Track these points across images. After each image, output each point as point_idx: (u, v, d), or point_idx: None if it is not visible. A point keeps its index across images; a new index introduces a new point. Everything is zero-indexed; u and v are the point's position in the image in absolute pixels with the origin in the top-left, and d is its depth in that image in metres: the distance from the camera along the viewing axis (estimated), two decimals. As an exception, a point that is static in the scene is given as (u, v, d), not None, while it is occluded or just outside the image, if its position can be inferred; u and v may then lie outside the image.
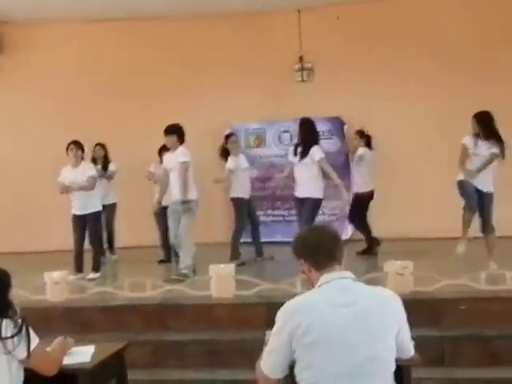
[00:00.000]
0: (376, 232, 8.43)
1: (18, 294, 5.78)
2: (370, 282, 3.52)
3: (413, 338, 2.90)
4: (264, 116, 9.90)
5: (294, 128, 8.09)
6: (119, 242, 9.28)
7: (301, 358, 2.69)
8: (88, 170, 7.59)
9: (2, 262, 3.55)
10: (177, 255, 7.57)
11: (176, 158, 7.12)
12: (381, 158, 8.67)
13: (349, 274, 2.85)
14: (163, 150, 7.99)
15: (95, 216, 7.60)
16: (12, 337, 3.02)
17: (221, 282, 5.93)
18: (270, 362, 2.79)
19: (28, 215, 10.14)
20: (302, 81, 10.01)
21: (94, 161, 8.82)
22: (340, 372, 2.62)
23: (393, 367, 2.73)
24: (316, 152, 7.34)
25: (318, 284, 2.82)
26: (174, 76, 10.04)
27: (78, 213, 7.54)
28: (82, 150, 7.65)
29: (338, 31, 9.82)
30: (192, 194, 7.14)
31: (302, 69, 10.00)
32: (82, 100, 10.19)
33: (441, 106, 9.28)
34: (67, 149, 7.53)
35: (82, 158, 7.69)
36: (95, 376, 3.51)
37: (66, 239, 7.93)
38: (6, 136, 10.31)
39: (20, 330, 3.05)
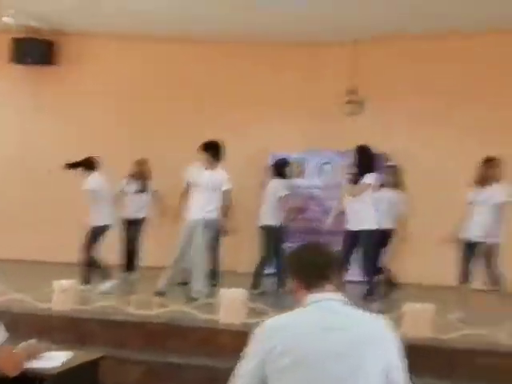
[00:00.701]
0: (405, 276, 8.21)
1: (24, 300, 5.91)
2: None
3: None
4: (307, 146, 9.84)
5: (336, 160, 7.89)
6: (148, 261, 9.20)
7: (273, 383, 2.48)
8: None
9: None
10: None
11: (211, 177, 7.25)
12: (421, 199, 8.44)
13: (339, 296, 2.64)
14: None
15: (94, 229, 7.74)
16: None
17: (230, 306, 5.84)
18: None
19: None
20: (351, 113, 9.93)
21: (133, 175, 8.87)
22: None
23: None
24: (368, 177, 7.19)
25: (305, 304, 2.63)
26: (215, 103, 10.18)
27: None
28: (87, 167, 7.83)
29: (393, 65, 9.75)
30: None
31: (351, 101, 9.95)
32: (124, 111, 10.40)
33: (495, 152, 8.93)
34: None
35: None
36: (63, 383, 3.46)
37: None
38: (52, 142, 10.58)
39: None
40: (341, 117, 9.90)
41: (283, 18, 9.04)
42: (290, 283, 2.75)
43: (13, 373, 3.25)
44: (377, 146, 9.46)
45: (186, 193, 7.54)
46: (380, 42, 9.71)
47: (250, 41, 10.01)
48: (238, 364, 2.55)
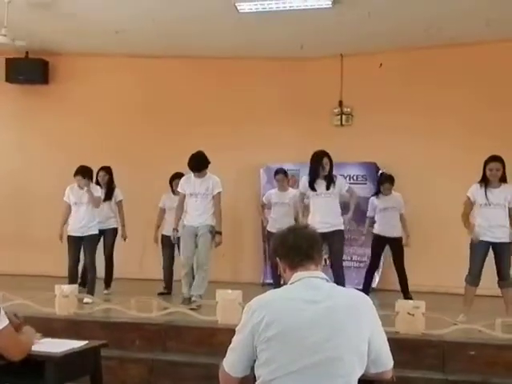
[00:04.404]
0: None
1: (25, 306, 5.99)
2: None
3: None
4: (300, 157, 9.91)
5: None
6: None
7: (260, 355, 2.60)
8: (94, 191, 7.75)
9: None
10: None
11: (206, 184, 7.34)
12: (412, 207, 8.57)
13: (322, 274, 2.78)
14: (175, 178, 8.25)
15: (92, 238, 7.74)
16: None
17: (227, 307, 5.90)
18: (231, 359, 2.70)
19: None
20: (341, 125, 10.16)
21: (98, 185, 8.38)
22: (298, 370, 2.51)
23: (357, 372, 2.59)
24: (344, 182, 7.45)
25: (290, 282, 2.77)
26: (212, 115, 10.29)
27: (74, 234, 7.64)
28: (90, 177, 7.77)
29: (380, 78, 9.90)
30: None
31: (341, 113, 10.16)
32: (115, 128, 10.55)
33: (480, 158, 9.04)
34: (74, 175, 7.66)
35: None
36: (64, 366, 3.51)
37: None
38: (48, 154, 10.74)
39: None
40: (331, 128, 10.12)
41: (272, 34, 9.21)
42: (279, 264, 2.88)
43: (18, 357, 3.27)
44: (368, 155, 9.77)
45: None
46: (365, 56, 9.90)
47: (241, 56, 10.17)
48: (233, 338, 2.68)
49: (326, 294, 2.68)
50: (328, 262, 7.22)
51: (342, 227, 7.19)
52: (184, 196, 7.40)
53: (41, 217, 10.30)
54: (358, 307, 2.68)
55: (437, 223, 9.05)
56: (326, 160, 7.21)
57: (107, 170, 8.60)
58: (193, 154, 7.28)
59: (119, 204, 8.62)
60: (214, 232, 7.28)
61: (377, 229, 8.26)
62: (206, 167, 7.31)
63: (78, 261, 7.70)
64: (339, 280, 6.84)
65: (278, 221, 8.27)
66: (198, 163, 7.25)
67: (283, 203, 8.57)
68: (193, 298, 7.02)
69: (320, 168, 7.18)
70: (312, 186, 7.19)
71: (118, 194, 8.63)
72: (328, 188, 7.16)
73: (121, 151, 10.13)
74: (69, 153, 10.26)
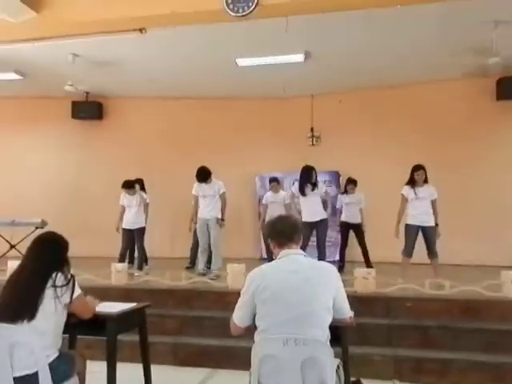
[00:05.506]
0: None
1: (90, 279, 5.99)
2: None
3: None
4: (284, 168, 10.00)
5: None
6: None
7: (259, 310, 2.69)
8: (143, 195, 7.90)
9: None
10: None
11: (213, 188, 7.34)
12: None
13: (301, 251, 2.86)
14: None
15: (140, 230, 7.79)
16: (61, 286, 3.08)
17: (235, 276, 5.93)
18: (238, 314, 2.80)
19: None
20: (312, 145, 10.17)
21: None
22: (285, 320, 2.59)
23: (327, 321, 2.67)
24: (323, 186, 7.47)
25: (278, 257, 2.84)
26: (219, 138, 10.28)
27: (127, 227, 7.74)
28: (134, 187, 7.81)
29: (339, 111, 9.94)
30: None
31: (312, 136, 10.19)
32: (148, 149, 10.52)
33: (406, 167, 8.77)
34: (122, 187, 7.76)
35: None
36: (120, 322, 3.55)
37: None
38: (102, 169, 10.68)
39: (68, 283, 3.11)
40: (305, 147, 10.14)
41: (262, 81, 9.19)
42: (270, 244, 2.95)
43: (87, 316, 3.34)
44: (332, 166, 9.81)
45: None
46: (329, 95, 9.92)
47: (240, 97, 10.16)
48: (239, 299, 2.80)
49: (304, 266, 2.74)
50: (316, 242, 7.15)
51: (326, 216, 7.15)
52: (197, 197, 7.41)
53: (95, 213, 10.32)
54: (327, 276, 2.75)
55: (377, 213, 8.95)
56: (313, 172, 7.24)
57: (140, 181, 8.39)
58: (198, 169, 7.25)
59: (146, 205, 8.24)
60: (220, 220, 7.31)
61: (343, 217, 8.23)
62: (209, 177, 7.30)
63: (128, 247, 7.73)
64: (321, 255, 6.87)
65: (274, 215, 8.24)
66: (202, 175, 7.25)
67: (276, 202, 8.53)
68: (214, 272, 7.02)
69: (309, 177, 7.18)
70: (302, 190, 7.17)
71: (147, 198, 8.37)
72: (313, 190, 7.18)
73: (153, 165, 10.13)
74: (116, 167, 10.30)
